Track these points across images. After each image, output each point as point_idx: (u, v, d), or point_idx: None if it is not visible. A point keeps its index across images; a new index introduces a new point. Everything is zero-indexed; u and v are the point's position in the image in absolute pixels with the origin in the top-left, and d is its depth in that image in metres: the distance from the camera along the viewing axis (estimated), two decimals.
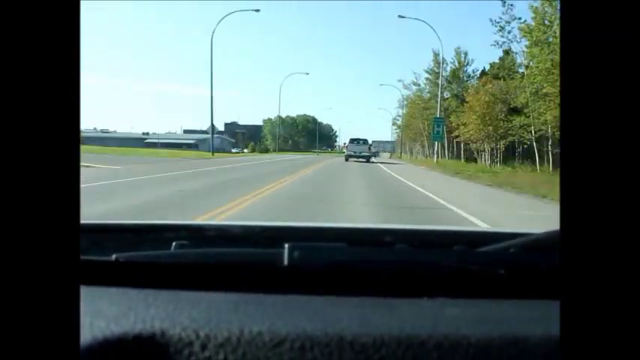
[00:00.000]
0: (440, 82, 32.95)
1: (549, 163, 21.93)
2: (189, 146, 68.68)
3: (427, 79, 41.05)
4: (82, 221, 0.66)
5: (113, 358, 0.58)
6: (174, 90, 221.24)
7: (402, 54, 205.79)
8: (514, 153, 30.71)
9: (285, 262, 0.78)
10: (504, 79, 26.82)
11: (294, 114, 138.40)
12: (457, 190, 12.99)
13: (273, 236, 1.03)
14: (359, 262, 0.83)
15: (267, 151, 73.13)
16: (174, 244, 0.89)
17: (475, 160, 33.25)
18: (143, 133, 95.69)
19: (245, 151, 53.80)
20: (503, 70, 27.93)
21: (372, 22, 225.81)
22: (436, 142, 31.95)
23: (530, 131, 22.62)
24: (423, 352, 0.59)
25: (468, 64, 37.74)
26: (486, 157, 30.70)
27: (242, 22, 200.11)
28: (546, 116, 19.49)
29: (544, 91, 18.87)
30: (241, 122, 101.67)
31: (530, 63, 20.87)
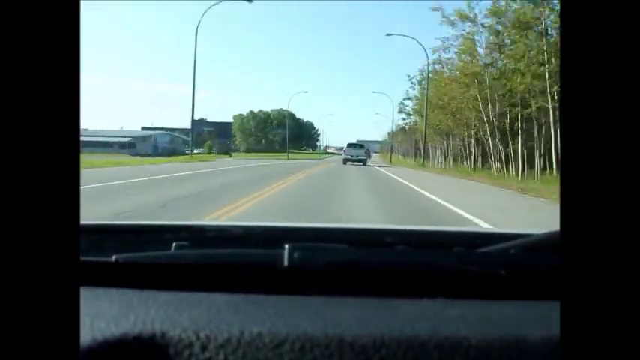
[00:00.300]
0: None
1: None
2: (122, 146, 55.24)
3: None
4: (82, 222, 0.66)
5: (113, 358, 0.58)
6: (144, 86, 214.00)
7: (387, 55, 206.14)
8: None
9: (286, 262, 0.78)
10: None
11: (268, 108, 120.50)
12: None
13: (274, 237, 1.03)
14: (359, 262, 0.82)
15: (226, 153, 57.88)
16: (174, 244, 0.89)
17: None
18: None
19: (196, 152, 39.72)
20: None
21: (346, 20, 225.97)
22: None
23: None
24: (424, 353, 0.58)
25: None
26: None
27: (226, 18, 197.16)
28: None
29: None
30: (210, 119, 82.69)
31: None
